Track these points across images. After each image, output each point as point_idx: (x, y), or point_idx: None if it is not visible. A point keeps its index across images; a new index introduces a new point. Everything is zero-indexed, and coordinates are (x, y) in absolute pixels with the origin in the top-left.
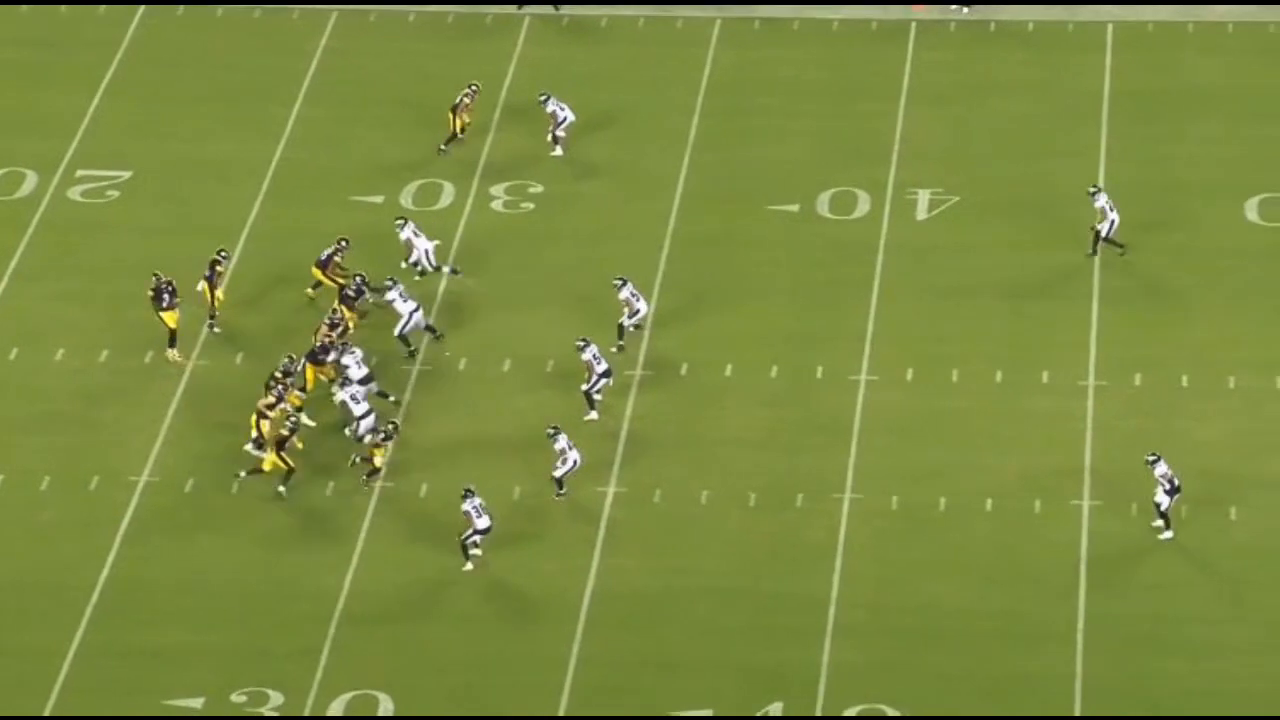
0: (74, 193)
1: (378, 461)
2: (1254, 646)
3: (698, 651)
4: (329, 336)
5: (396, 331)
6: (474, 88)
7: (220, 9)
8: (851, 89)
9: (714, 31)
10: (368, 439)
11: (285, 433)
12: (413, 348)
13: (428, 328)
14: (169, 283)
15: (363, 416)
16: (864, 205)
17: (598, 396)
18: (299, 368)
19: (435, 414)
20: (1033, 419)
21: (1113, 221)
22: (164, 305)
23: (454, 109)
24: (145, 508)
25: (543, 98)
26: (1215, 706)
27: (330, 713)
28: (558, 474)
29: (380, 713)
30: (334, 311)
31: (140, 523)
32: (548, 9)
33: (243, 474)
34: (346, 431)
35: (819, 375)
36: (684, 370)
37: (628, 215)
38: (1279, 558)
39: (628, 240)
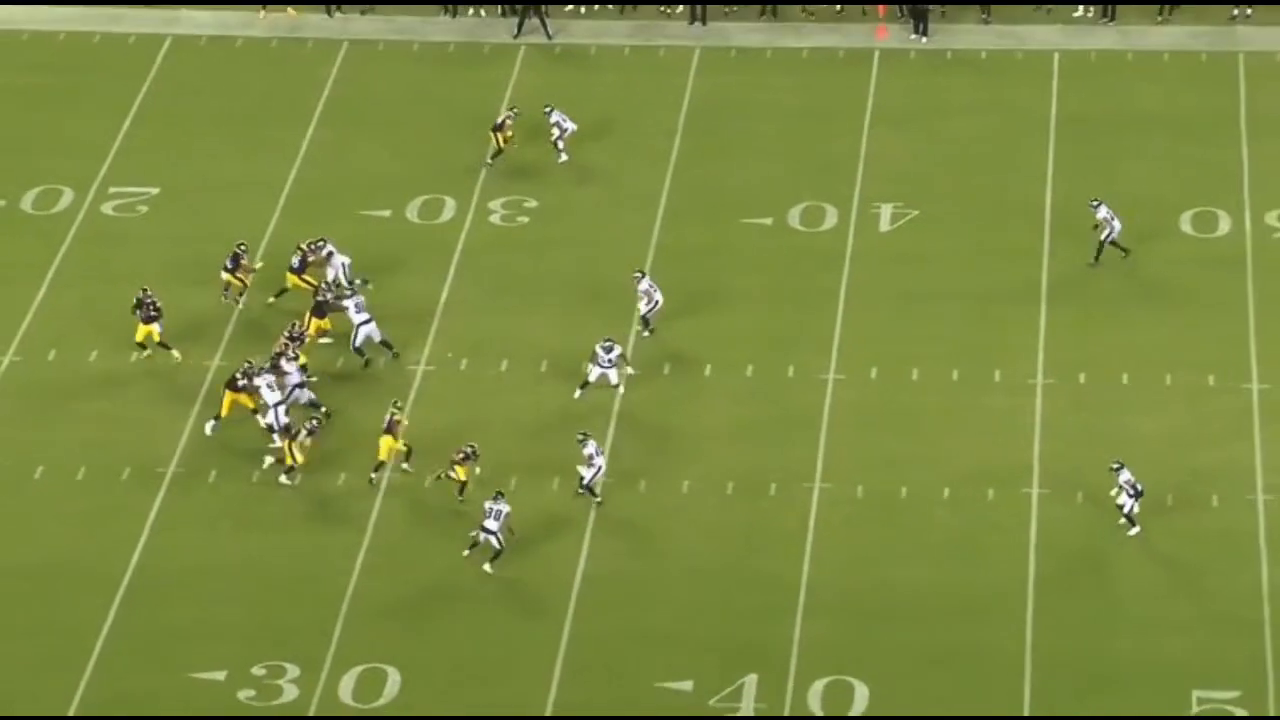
0: (107, 207)
1: (298, 456)
2: (1192, 623)
3: (680, 628)
4: (286, 344)
5: (352, 345)
6: (514, 111)
7: (240, 39)
8: (820, 112)
9: (694, 60)
10: (277, 436)
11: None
12: (367, 358)
13: (383, 343)
14: (152, 300)
15: (275, 405)
16: (832, 218)
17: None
18: (256, 372)
19: (437, 410)
20: (986, 414)
21: (1115, 229)
22: (141, 317)
23: (496, 129)
24: (172, 497)
25: (547, 109)
26: (1157, 679)
27: (341, 685)
28: (585, 478)
29: (389, 685)
30: (294, 325)
31: (168, 511)
32: (541, 39)
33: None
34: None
35: (790, 374)
36: (666, 370)
37: (615, 227)
38: (1212, 540)
39: (615, 250)
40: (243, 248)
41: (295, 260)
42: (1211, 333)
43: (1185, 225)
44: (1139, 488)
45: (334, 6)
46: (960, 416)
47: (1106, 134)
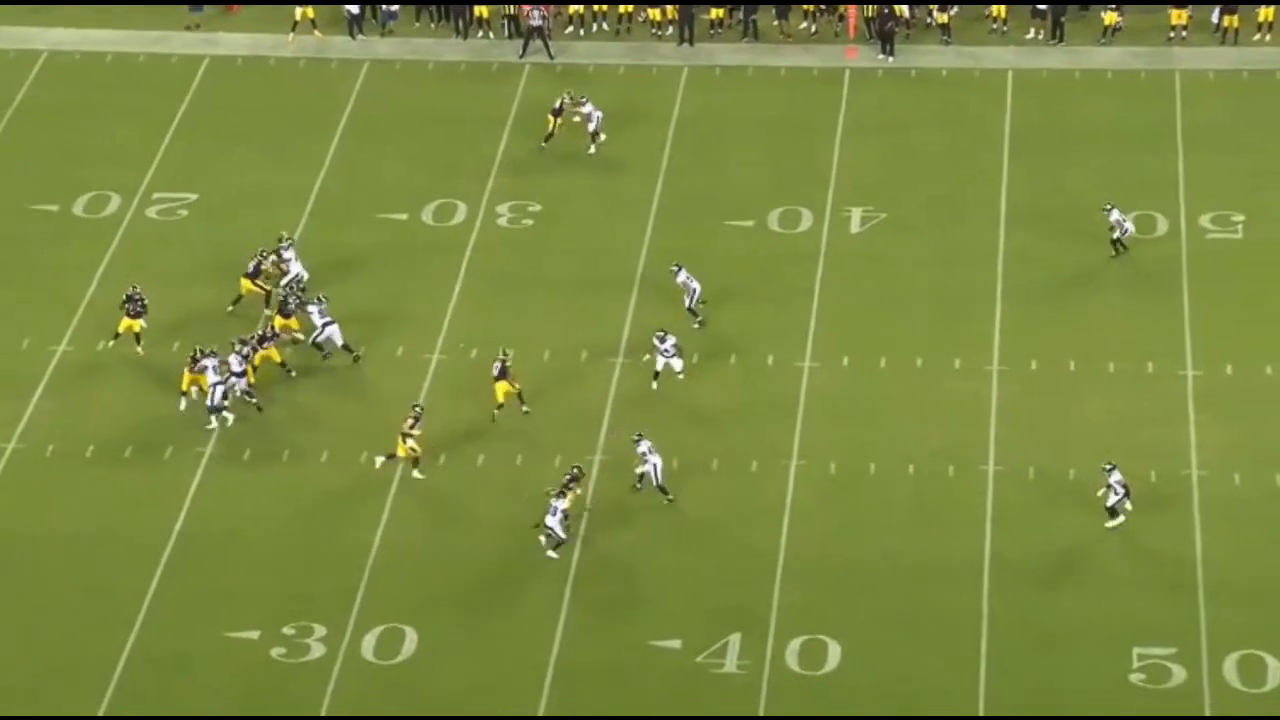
0: (150, 212)
1: (415, 447)
2: (1133, 587)
3: (670, 592)
4: (254, 344)
5: (310, 340)
6: (570, 95)
7: (272, 59)
8: (796, 125)
9: (682, 77)
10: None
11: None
12: (326, 353)
13: (344, 346)
14: (140, 296)
15: (216, 384)
16: (807, 221)
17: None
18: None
19: (451, 395)
20: (947, 398)
21: (1127, 230)
22: (128, 312)
23: (555, 113)
24: (211, 474)
25: (582, 99)
26: (1101, 637)
27: (364, 643)
28: (649, 477)
29: (406, 643)
30: (269, 328)
31: (206, 486)
32: (544, 59)
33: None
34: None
35: (770, 363)
36: (646, 358)
37: (611, 229)
38: (1151, 511)
39: (611, 250)
40: (265, 254)
41: (250, 265)
42: (1150, 324)
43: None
44: (1127, 486)
45: (357, 30)
46: (923, 400)
47: (1055, 145)
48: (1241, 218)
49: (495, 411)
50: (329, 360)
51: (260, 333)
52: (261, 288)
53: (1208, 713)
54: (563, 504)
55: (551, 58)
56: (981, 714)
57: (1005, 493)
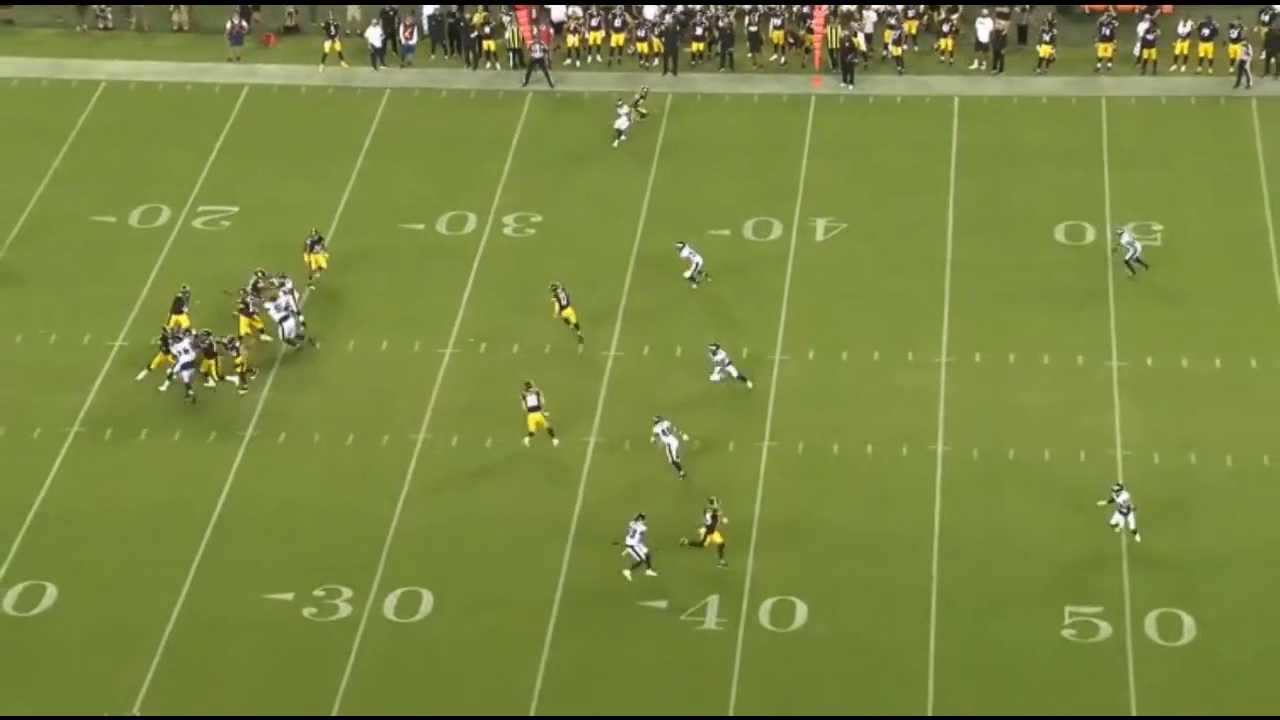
0: (197, 222)
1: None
2: (1066, 554)
3: (658, 558)
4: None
5: (283, 337)
6: (646, 91)
7: (304, 88)
8: (768, 145)
9: (667, 103)
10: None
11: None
12: (305, 340)
13: (298, 336)
14: (188, 295)
15: (184, 368)
16: (777, 230)
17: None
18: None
19: (462, 386)
20: (901, 388)
21: (1136, 249)
22: (178, 310)
23: (635, 103)
24: (249, 456)
25: (618, 103)
26: (1037, 598)
27: (386, 604)
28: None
29: (424, 604)
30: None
31: (245, 467)
32: (545, 87)
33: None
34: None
35: (745, 355)
36: (646, 351)
37: (603, 237)
38: (1080, 488)
39: (604, 256)
40: (316, 232)
41: (248, 285)
42: (1080, 320)
43: (1059, 235)
44: (1132, 505)
45: (379, 61)
46: (880, 389)
47: (996, 163)
48: (1160, 227)
49: (526, 440)
50: (299, 349)
51: (231, 337)
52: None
53: (1130, 663)
54: (641, 525)
55: (551, 85)
56: (932, 665)
57: (952, 471)
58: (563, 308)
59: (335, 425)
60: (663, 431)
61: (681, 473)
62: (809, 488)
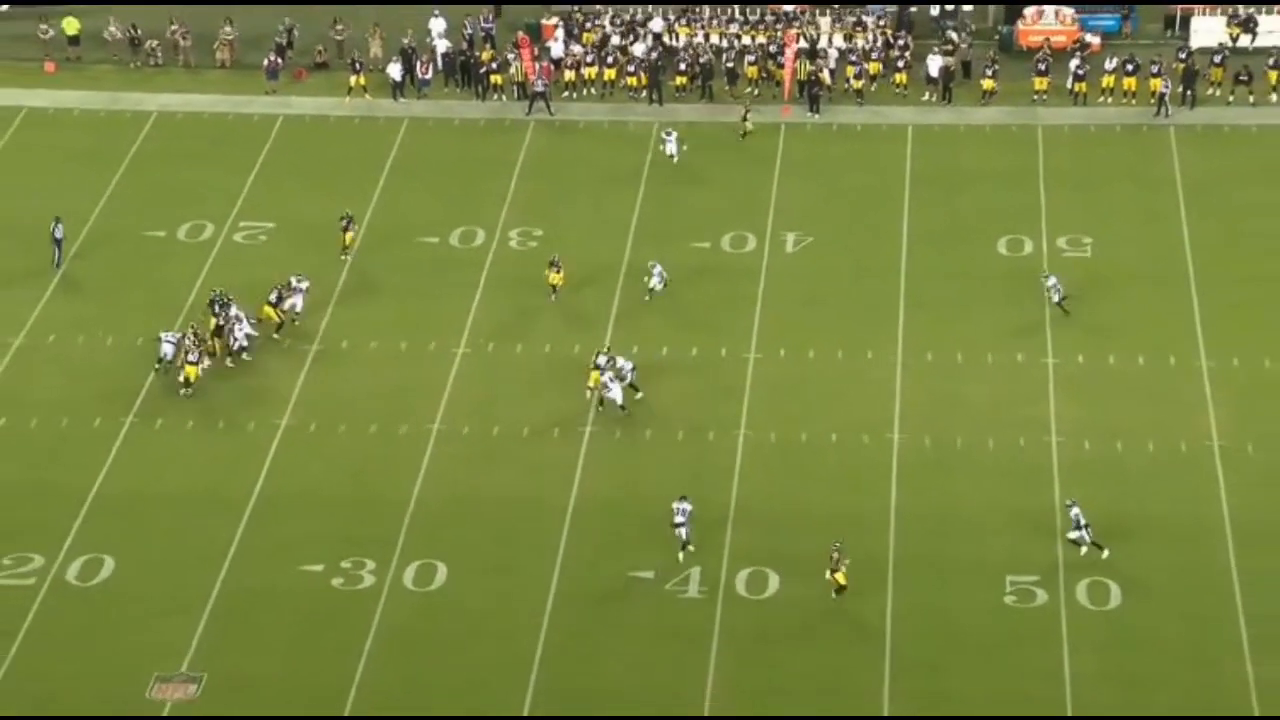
0: (237, 237)
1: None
2: (998, 529)
3: (645, 533)
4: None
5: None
6: (749, 109)
7: (332, 118)
8: (743, 166)
9: (653, 130)
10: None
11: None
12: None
13: (247, 336)
14: (221, 298)
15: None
16: (752, 243)
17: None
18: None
19: (475, 380)
20: (862, 382)
21: (1059, 291)
22: (213, 312)
23: (743, 118)
24: (283, 444)
25: (666, 133)
26: (982, 569)
27: (405, 574)
28: (619, 387)
29: (439, 574)
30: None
31: (280, 454)
32: (546, 115)
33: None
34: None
35: (723, 354)
36: (634, 350)
37: (597, 249)
38: (1020, 471)
39: (598, 267)
40: (349, 215)
41: (273, 296)
42: (1019, 323)
43: (1001, 248)
44: (1083, 521)
45: (399, 94)
46: (844, 384)
47: (945, 184)
48: (1090, 240)
49: (588, 392)
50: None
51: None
52: (282, 314)
53: (1064, 624)
54: (686, 504)
55: (551, 115)
56: (889, 627)
57: (907, 457)
58: (554, 272)
59: (360, 416)
60: (608, 380)
61: (639, 395)
62: (780, 471)
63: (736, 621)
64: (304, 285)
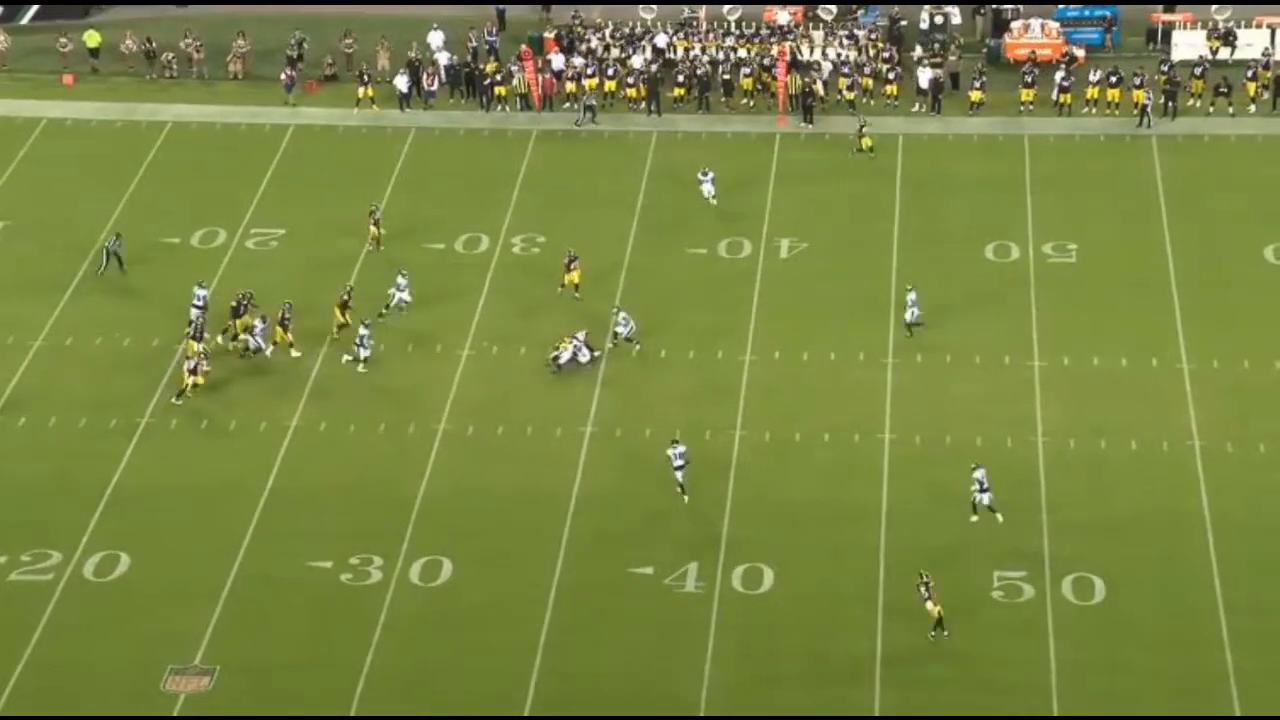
0: (249, 243)
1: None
2: (996, 525)
3: (644, 530)
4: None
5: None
6: (865, 123)
7: (341, 127)
8: (739, 176)
9: (652, 140)
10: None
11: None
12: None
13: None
14: (245, 302)
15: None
16: (748, 249)
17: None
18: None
19: (478, 382)
20: (853, 383)
21: (914, 314)
22: (238, 314)
23: (858, 133)
24: (294, 443)
25: (703, 173)
26: (973, 563)
27: (412, 570)
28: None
29: (444, 570)
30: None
31: (291, 452)
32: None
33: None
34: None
35: (720, 356)
36: (635, 352)
37: (598, 256)
38: (1007, 469)
39: (598, 272)
40: (375, 206)
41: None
42: (1005, 327)
43: (989, 253)
44: (985, 484)
45: (405, 105)
46: (836, 384)
47: (934, 191)
48: (1075, 246)
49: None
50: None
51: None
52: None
53: (1050, 620)
54: (680, 448)
55: (596, 124)
56: (880, 616)
57: (898, 455)
58: (569, 272)
59: (369, 416)
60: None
61: (637, 347)
62: (775, 470)
63: (733, 615)
64: (403, 282)
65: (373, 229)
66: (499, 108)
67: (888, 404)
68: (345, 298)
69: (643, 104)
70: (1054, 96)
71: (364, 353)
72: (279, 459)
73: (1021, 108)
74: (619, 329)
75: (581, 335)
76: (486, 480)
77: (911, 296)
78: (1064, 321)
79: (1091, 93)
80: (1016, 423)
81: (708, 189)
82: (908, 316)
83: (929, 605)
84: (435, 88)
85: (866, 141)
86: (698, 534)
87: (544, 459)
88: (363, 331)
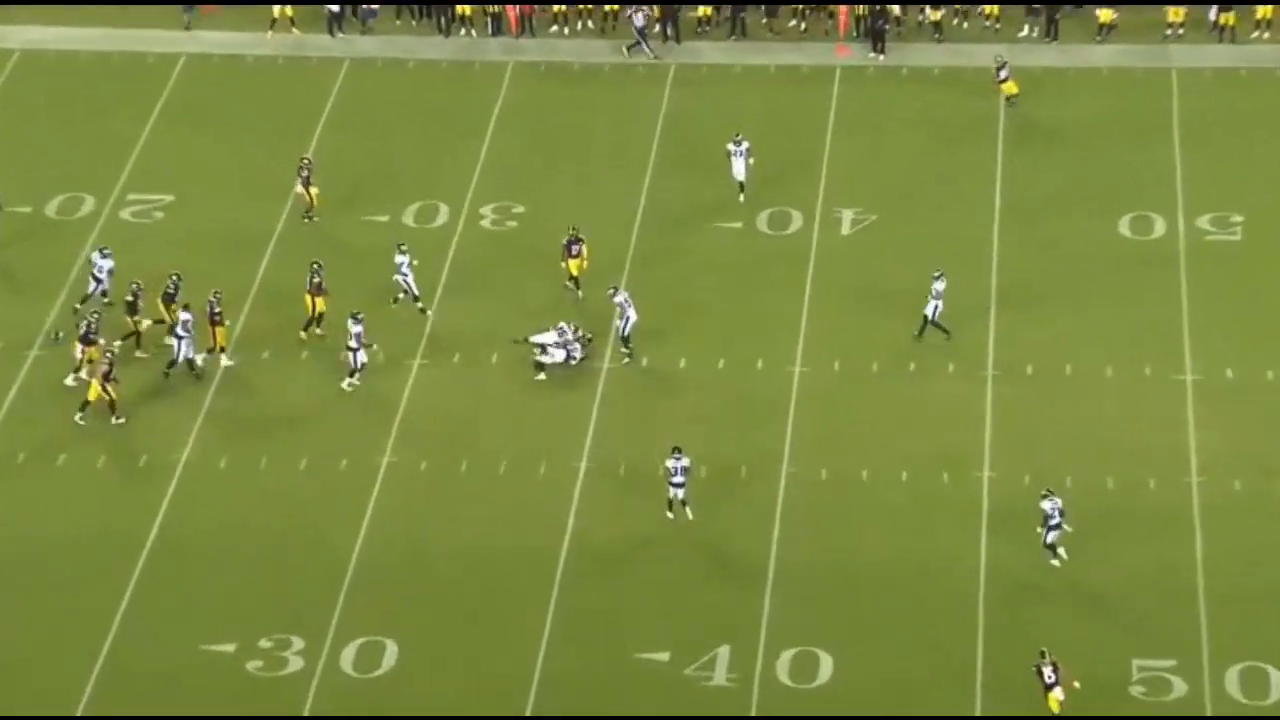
0: (125, 214)
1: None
2: (1124, 595)
3: (656, 602)
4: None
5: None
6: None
7: (249, 58)
8: (785, 125)
9: (669, 75)
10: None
11: (105, 368)
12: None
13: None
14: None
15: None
16: (797, 222)
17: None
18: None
19: (433, 401)
20: (940, 402)
21: (938, 308)
22: (134, 310)
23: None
24: (183, 486)
25: (735, 141)
26: (1106, 641)
27: (343, 656)
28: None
29: (387, 656)
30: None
31: (179, 495)
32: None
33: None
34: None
35: (759, 366)
36: (644, 362)
37: (595, 234)
38: (1148, 510)
39: (596, 255)
40: (306, 159)
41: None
42: (1146, 328)
43: (1123, 228)
44: (1056, 519)
45: (336, 28)
46: (915, 404)
47: (1047, 144)
48: (1240, 218)
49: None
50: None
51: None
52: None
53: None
54: (683, 461)
55: (654, 58)
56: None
57: (1000, 498)
58: (570, 259)
59: (285, 448)
60: (625, 302)
61: (628, 349)
62: (834, 518)
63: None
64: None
65: (302, 190)
66: (462, 31)
67: (987, 431)
68: (317, 279)
69: (655, 26)
70: (1211, 16)
71: (361, 358)
72: (164, 504)
73: (1168, 31)
74: (617, 321)
75: (572, 328)
76: (444, 534)
77: (938, 286)
78: (1225, 320)
79: (1264, 11)
80: (1162, 457)
81: (739, 168)
82: (927, 310)
83: (1054, 694)
84: (376, 4)
85: (1010, 87)
86: (730, 607)
87: (522, 505)
88: (355, 329)
